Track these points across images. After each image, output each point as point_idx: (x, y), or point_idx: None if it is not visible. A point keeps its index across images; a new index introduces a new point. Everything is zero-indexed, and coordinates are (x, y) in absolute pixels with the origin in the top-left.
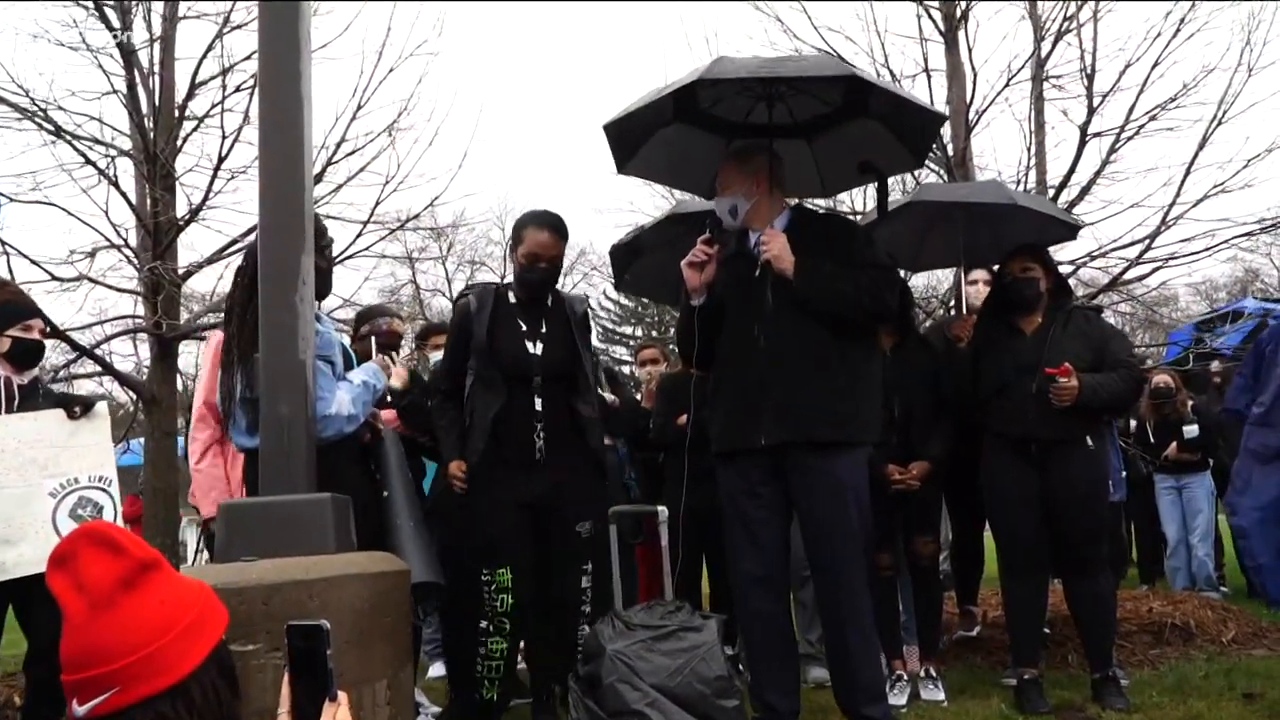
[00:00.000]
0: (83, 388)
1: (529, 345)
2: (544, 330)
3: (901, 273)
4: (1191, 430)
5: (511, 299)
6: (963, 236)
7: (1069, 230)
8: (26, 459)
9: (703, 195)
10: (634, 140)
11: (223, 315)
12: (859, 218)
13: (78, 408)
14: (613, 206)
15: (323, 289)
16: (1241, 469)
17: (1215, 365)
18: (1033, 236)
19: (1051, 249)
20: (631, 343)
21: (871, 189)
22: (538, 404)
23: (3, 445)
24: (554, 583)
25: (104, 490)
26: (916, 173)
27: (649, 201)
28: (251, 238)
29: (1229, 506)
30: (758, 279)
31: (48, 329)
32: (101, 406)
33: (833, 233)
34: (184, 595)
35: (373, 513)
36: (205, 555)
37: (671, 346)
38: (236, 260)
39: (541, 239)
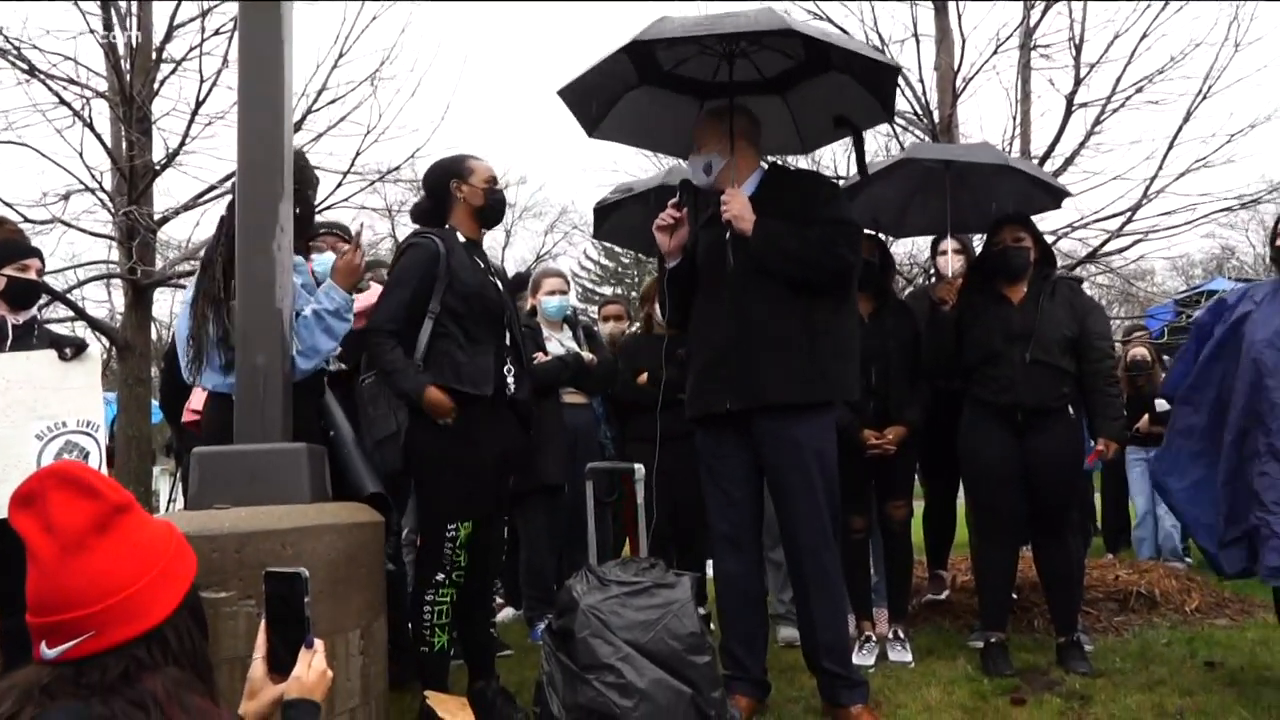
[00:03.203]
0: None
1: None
2: (492, 270)
3: (883, 238)
4: (1163, 404)
5: (461, 239)
6: (949, 202)
7: (1053, 199)
8: (14, 399)
9: (680, 156)
10: (600, 104)
11: (199, 263)
12: (842, 182)
13: (69, 349)
14: (596, 166)
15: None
16: (1169, 449)
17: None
18: (1017, 204)
19: (1034, 219)
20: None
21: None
22: (506, 339)
23: None
24: (484, 532)
25: (90, 435)
26: (902, 138)
27: (632, 161)
28: (231, 183)
29: (1159, 486)
30: (725, 242)
31: (44, 269)
32: (94, 349)
33: (801, 188)
34: (156, 539)
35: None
36: (178, 504)
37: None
38: (213, 207)
39: (487, 165)
